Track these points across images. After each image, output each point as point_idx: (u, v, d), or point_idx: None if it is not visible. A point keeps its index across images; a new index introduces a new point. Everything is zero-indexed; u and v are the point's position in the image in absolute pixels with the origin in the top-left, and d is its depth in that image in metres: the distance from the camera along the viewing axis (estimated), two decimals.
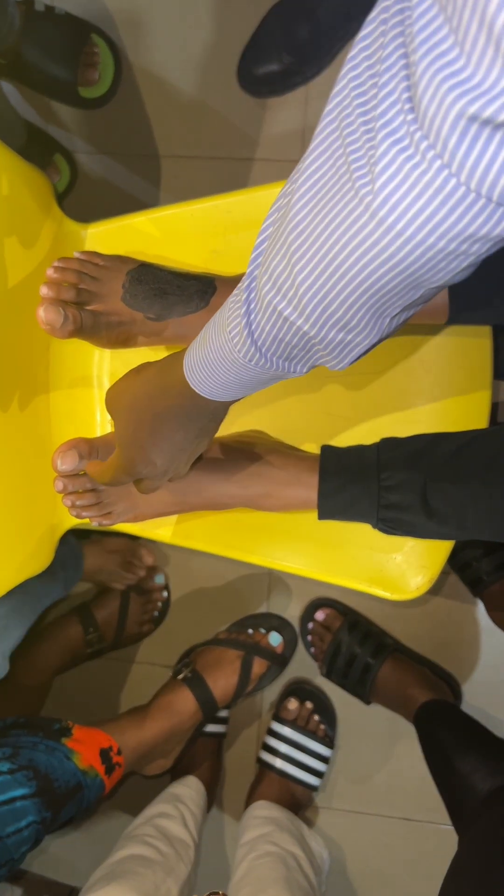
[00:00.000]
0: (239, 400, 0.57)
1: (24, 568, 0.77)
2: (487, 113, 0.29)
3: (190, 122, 1.19)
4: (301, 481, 0.74)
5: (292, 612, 1.19)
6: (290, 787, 1.13)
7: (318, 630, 1.16)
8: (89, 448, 0.73)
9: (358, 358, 0.49)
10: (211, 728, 1.15)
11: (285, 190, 0.44)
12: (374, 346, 0.48)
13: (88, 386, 0.84)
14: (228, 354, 0.50)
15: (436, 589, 1.16)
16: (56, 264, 0.69)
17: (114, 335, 0.72)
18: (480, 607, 1.15)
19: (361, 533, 0.81)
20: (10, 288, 0.71)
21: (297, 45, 1.09)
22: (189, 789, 1.07)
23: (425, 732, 1.01)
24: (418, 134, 0.33)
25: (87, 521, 0.78)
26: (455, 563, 1.12)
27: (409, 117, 0.33)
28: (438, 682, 1.12)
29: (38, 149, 1.17)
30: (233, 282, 0.73)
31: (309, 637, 1.17)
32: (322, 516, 0.74)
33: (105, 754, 0.88)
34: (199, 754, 1.14)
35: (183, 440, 0.61)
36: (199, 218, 0.82)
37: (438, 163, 0.33)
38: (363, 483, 0.71)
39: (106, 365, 0.83)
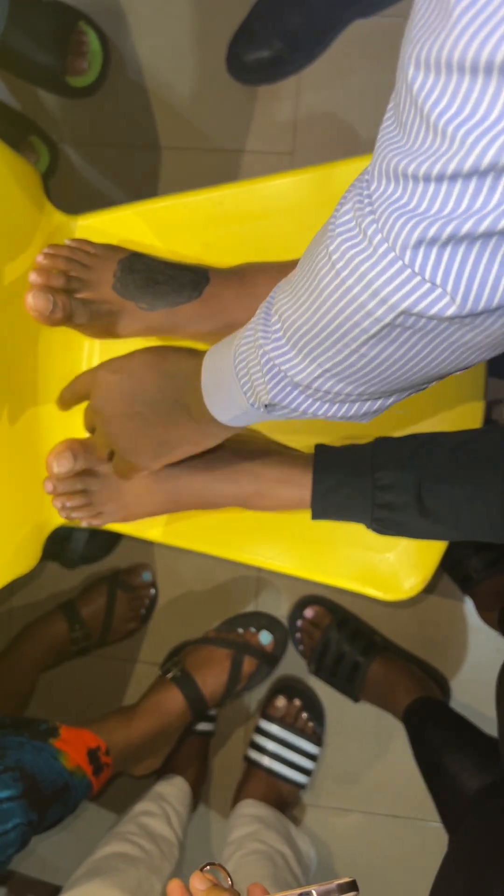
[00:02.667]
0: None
1: (10, 568, 0.75)
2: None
3: (180, 112, 1.17)
4: (294, 480, 0.73)
5: (281, 610, 1.18)
6: (278, 785, 1.12)
7: (307, 627, 1.15)
8: (84, 448, 0.72)
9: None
10: (199, 726, 1.14)
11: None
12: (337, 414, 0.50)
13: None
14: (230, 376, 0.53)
15: (425, 587, 1.15)
16: (46, 251, 0.68)
17: (103, 324, 0.71)
18: (470, 605, 1.15)
19: (354, 532, 0.80)
20: None
21: (289, 31, 1.08)
22: (174, 788, 1.07)
23: (414, 730, 1.01)
24: (378, 236, 0.37)
25: (77, 522, 0.77)
26: (445, 560, 1.11)
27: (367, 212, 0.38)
28: (427, 680, 1.12)
29: (11, 129, 1.15)
30: (227, 273, 0.72)
31: (297, 634, 1.16)
32: (316, 516, 0.73)
33: (93, 755, 0.87)
34: (186, 752, 1.13)
35: (155, 395, 0.62)
36: (191, 210, 0.80)
37: (385, 246, 0.37)
38: (357, 483, 0.71)
39: (96, 357, 0.82)
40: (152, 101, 1.17)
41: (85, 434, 0.74)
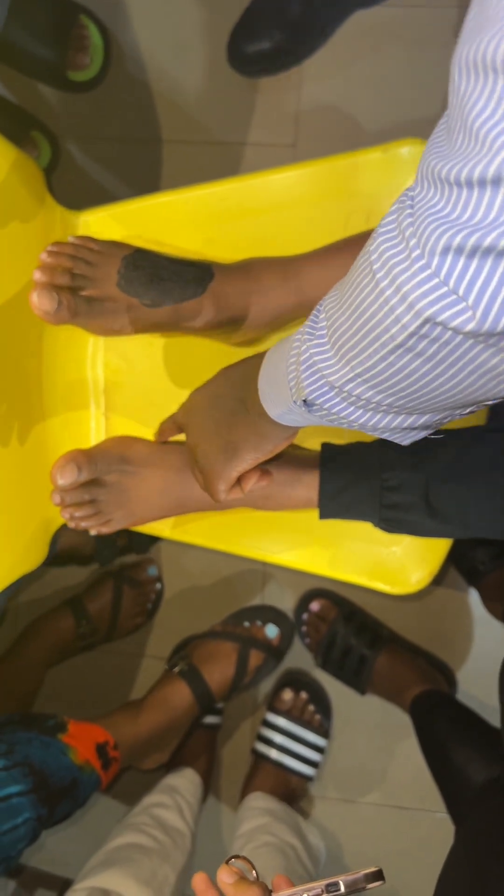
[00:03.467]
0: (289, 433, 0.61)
1: (18, 565, 0.75)
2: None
3: (181, 105, 1.17)
4: (301, 481, 0.73)
5: (287, 604, 1.18)
6: (286, 777, 1.13)
7: (313, 621, 1.15)
8: (87, 460, 0.72)
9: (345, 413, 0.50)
10: (207, 719, 1.15)
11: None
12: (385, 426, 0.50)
13: (82, 376, 0.82)
14: (283, 371, 0.53)
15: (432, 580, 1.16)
16: (50, 249, 0.67)
17: (108, 321, 0.70)
18: (475, 597, 1.15)
19: (360, 527, 0.80)
20: (2, 277, 0.69)
21: (290, 22, 1.07)
22: (185, 780, 1.07)
23: (421, 723, 1.01)
24: (413, 240, 0.37)
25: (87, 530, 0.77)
26: (451, 553, 1.11)
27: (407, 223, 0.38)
28: (433, 673, 1.12)
29: (12, 124, 1.15)
30: (231, 268, 0.72)
31: (304, 628, 1.16)
32: (324, 516, 0.73)
33: (101, 749, 0.87)
34: (195, 745, 1.13)
35: (219, 402, 0.64)
36: (194, 205, 0.80)
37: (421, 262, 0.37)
38: (365, 483, 0.71)
39: (100, 354, 0.82)
40: (153, 94, 1.17)
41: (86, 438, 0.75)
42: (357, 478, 0.72)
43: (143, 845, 0.91)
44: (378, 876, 0.46)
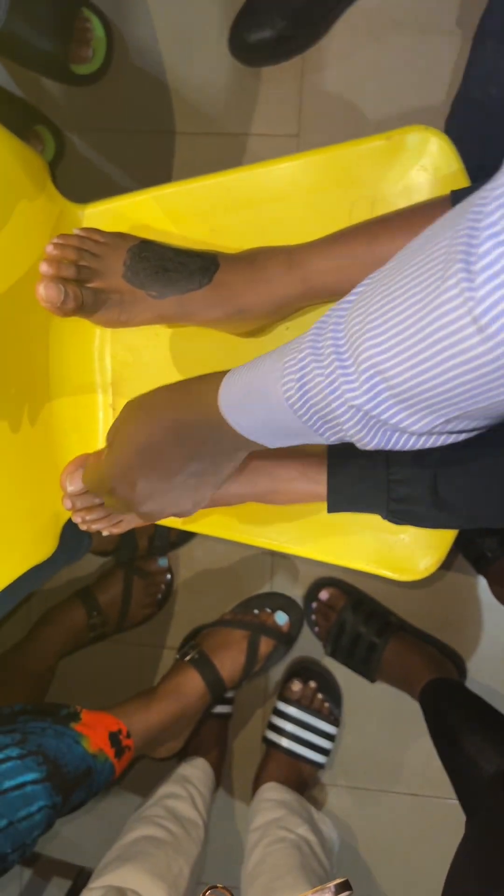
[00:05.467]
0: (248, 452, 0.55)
1: (28, 556, 0.76)
2: None
3: (184, 96, 1.17)
4: (309, 477, 0.73)
5: (296, 592, 1.19)
6: (297, 766, 1.13)
7: (322, 609, 1.16)
8: None
9: (388, 446, 0.45)
10: (217, 709, 1.16)
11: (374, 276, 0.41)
12: (414, 444, 0.45)
13: (89, 368, 0.83)
14: (273, 385, 0.47)
15: (440, 566, 1.16)
16: (55, 241, 0.68)
17: (115, 313, 0.71)
18: (483, 584, 1.15)
19: (368, 516, 0.80)
20: (7, 270, 0.70)
21: (292, 10, 1.07)
22: (197, 770, 1.08)
23: (431, 711, 1.01)
24: None
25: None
26: (458, 540, 1.11)
27: None
28: (443, 660, 1.12)
29: (17, 118, 1.15)
30: (237, 258, 0.72)
31: (313, 616, 1.17)
32: (332, 510, 0.74)
33: (114, 738, 0.88)
34: (206, 735, 1.14)
35: (178, 468, 0.57)
36: (198, 196, 0.80)
37: None
38: (372, 477, 0.71)
39: (107, 346, 0.82)
40: (157, 86, 1.17)
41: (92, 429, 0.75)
42: (364, 471, 0.72)
43: (158, 838, 0.92)
44: (345, 887, 0.48)
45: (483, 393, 0.37)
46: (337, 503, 0.73)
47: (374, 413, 0.42)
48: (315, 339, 0.44)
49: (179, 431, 0.56)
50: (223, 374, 0.53)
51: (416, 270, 0.37)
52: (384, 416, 0.42)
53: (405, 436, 0.44)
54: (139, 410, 0.59)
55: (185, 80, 1.16)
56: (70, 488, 0.73)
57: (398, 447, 0.45)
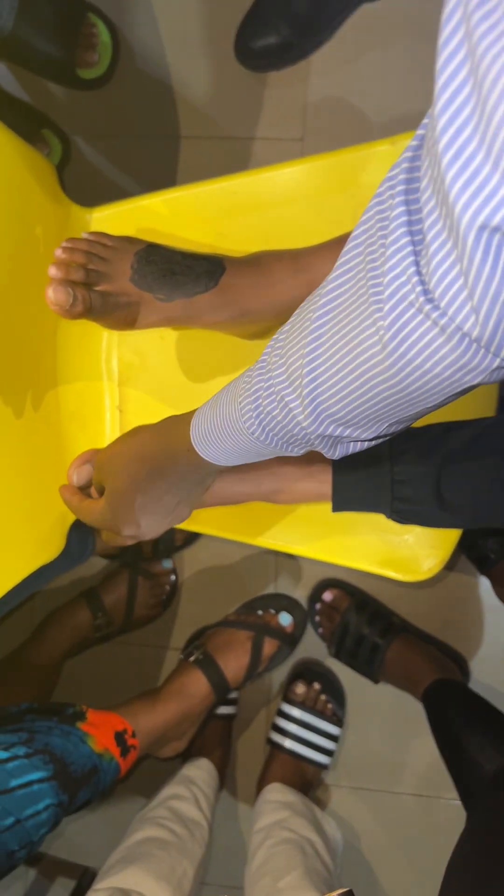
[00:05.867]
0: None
1: (35, 558, 0.76)
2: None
3: (189, 100, 1.17)
4: (313, 476, 0.74)
5: (299, 593, 1.19)
6: (301, 767, 1.14)
7: (326, 610, 1.16)
8: None
9: (351, 452, 0.52)
10: (221, 709, 1.16)
11: (309, 300, 0.47)
12: (367, 445, 0.51)
13: (96, 368, 0.83)
14: (234, 424, 0.52)
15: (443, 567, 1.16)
16: (64, 244, 0.68)
17: (122, 316, 0.72)
18: (486, 585, 1.16)
19: (372, 516, 0.81)
20: (17, 274, 0.70)
21: (296, 16, 1.08)
22: (201, 771, 1.08)
23: (434, 711, 1.02)
24: (422, 298, 0.36)
25: None
26: (462, 541, 1.12)
27: (414, 275, 0.36)
28: (446, 661, 1.12)
29: (23, 123, 1.16)
30: (243, 262, 0.73)
31: (317, 618, 1.17)
32: (336, 509, 0.74)
33: (120, 737, 0.89)
34: (210, 736, 1.14)
35: (170, 502, 0.64)
36: (204, 200, 0.81)
37: (443, 321, 0.35)
38: (376, 477, 0.72)
39: (115, 349, 0.83)
40: (162, 90, 1.18)
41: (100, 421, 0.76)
42: (368, 471, 0.73)
43: (162, 839, 0.92)
44: None
45: (407, 405, 0.43)
46: (341, 503, 0.74)
47: (327, 434, 0.48)
48: (261, 379, 0.49)
49: (161, 467, 0.62)
50: (192, 414, 0.58)
51: (340, 318, 0.43)
52: (336, 434, 0.48)
53: (359, 443, 0.51)
54: (126, 456, 0.65)
55: (191, 85, 1.17)
56: (77, 481, 0.74)
57: (357, 450, 0.52)
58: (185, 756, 1.12)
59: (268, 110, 1.16)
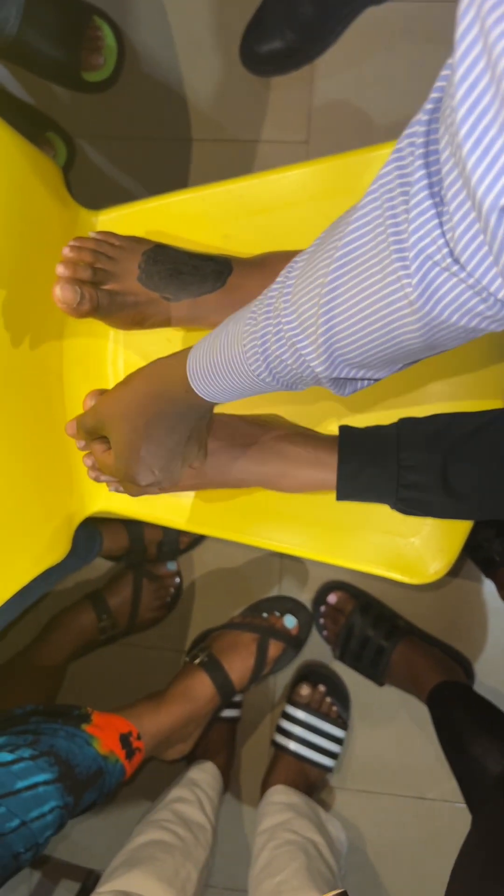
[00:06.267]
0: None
1: (42, 559, 0.76)
2: None
3: (194, 104, 1.18)
4: (319, 461, 0.73)
5: (304, 596, 1.19)
6: (305, 769, 1.13)
7: (331, 613, 1.16)
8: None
9: (360, 390, 0.53)
10: (226, 712, 1.16)
11: (321, 248, 0.47)
12: (376, 382, 0.53)
13: (103, 371, 0.84)
14: (239, 366, 0.52)
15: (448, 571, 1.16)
16: (72, 243, 0.69)
17: (129, 315, 0.72)
18: (491, 588, 1.16)
19: (378, 517, 0.81)
20: (23, 276, 0.71)
21: (301, 22, 1.08)
22: (205, 773, 1.08)
23: (438, 714, 1.01)
24: (448, 259, 0.37)
25: (103, 506, 0.77)
26: (467, 543, 1.12)
27: (439, 237, 0.37)
28: (451, 664, 1.12)
29: (28, 125, 1.16)
30: (249, 263, 0.73)
31: (321, 620, 1.17)
32: (340, 497, 0.73)
33: (125, 739, 0.89)
34: (215, 738, 1.14)
35: (176, 443, 0.63)
36: (211, 203, 0.81)
37: (471, 280, 0.37)
38: (382, 463, 0.71)
39: (121, 348, 0.83)
40: (167, 94, 1.18)
41: None
42: (374, 457, 0.72)
43: (166, 842, 0.92)
44: None
45: (427, 349, 0.45)
46: (346, 490, 0.73)
47: (341, 377, 0.50)
48: (269, 324, 0.49)
49: (158, 410, 0.60)
50: (184, 354, 0.57)
51: (360, 272, 0.44)
52: (349, 377, 0.50)
53: (369, 381, 0.52)
54: (122, 406, 0.62)
55: (195, 88, 1.18)
56: (71, 431, 0.70)
57: (366, 387, 0.53)
58: (190, 759, 1.12)
59: (273, 114, 1.16)
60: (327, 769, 1.15)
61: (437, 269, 0.38)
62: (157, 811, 1.00)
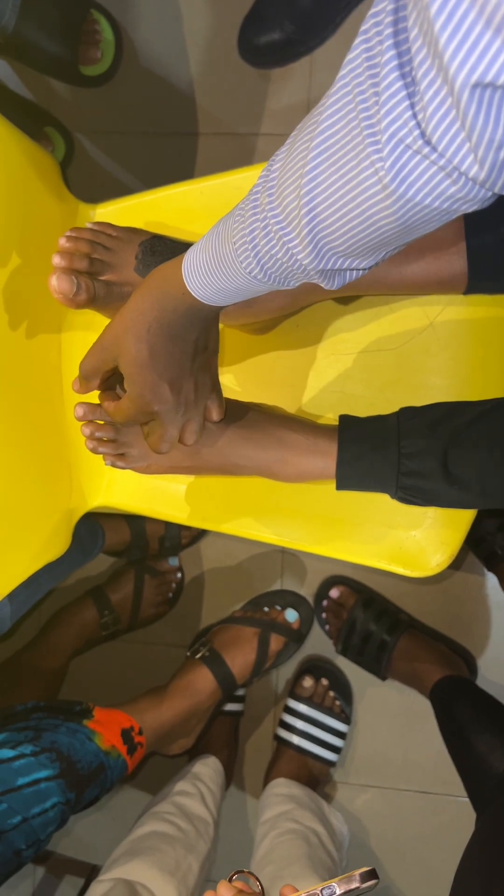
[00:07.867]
0: (230, 304, 0.59)
1: (42, 554, 0.76)
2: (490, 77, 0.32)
3: (193, 97, 1.17)
4: (319, 449, 0.72)
5: (306, 591, 1.19)
6: (308, 763, 1.13)
7: (333, 608, 1.16)
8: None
9: (348, 281, 0.53)
10: (228, 707, 1.16)
11: (298, 137, 0.47)
12: (366, 272, 0.53)
13: None
14: (231, 264, 0.52)
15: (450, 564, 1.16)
16: (68, 234, 0.68)
17: None
18: (494, 581, 1.15)
19: (379, 511, 0.80)
20: (20, 270, 0.70)
21: (300, 13, 1.08)
22: (207, 768, 1.08)
23: (442, 709, 1.01)
24: (420, 141, 0.38)
25: (103, 501, 0.77)
26: (469, 537, 1.12)
27: (410, 119, 0.37)
28: (454, 658, 1.12)
29: (26, 120, 1.16)
30: None
31: (323, 615, 1.17)
32: (340, 486, 0.72)
33: (127, 734, 0.89)
34: (217, 733, 1.14)
35: (182, 354, 0.61)
36: (209, 195, 0.81)
37: (442, 161, 0.37)
38: (383, 450, 0.70)
39: None
40: (165, 87, 1.18)
41: None
42: (375, 445, 0.71)
43: (168, 834, 0.92)
44: (372, 875, 0.48)
45: (406, 233, 0.46)
46: (346, 479, 0.72)
47: (328, 268, 0.50)
48: (256, 219, 0.50)
49: (161, 321, 0.59)
50: (180, 259, 0.57)
51: (336, 158, 0.44)
52: (336, 268, 0.50)
53: (356, 272, 0.53)
54: (126, 326, 0.60)
55: (194, 82, 1.17)
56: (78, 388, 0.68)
57: (354, 279, 0.54)
58: (192, 753, 1.12)
59: (271, 106, 1.16)
60: (330, 763, 1.15)
61: (410, 152, 0.38)
62: (158, 804, 1.00)
